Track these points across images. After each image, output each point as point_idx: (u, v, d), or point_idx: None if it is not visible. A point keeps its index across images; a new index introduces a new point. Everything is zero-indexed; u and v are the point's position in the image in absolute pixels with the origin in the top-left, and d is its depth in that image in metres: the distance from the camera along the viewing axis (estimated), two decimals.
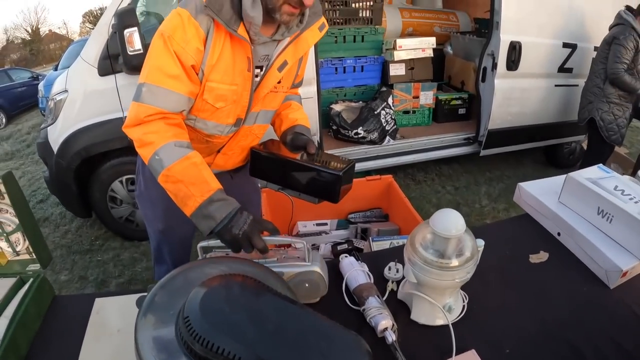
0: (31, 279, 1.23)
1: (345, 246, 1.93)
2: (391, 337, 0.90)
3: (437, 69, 4.12)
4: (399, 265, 1.15)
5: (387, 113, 3.40)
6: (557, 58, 3.39)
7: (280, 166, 1.28)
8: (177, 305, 0.71)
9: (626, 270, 1.04)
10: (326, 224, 2.13)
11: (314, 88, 2.88)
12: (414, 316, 1.01)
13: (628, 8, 2.89)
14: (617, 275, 1.04)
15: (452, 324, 0.94)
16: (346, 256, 1.19)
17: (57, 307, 1.24)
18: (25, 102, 10.43)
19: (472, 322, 0.99)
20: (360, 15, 3.64)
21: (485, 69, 3.34)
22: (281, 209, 1.88)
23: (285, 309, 0.70)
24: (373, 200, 2.25)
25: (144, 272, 2.82)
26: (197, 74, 1.12)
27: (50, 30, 37.56)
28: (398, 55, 3.57)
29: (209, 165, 1.18)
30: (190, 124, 1.23)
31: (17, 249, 1.28)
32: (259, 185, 1.75)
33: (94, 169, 2.90)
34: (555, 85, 3.50)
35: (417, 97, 3.76)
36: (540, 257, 1.20)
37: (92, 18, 36.10)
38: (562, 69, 3.44)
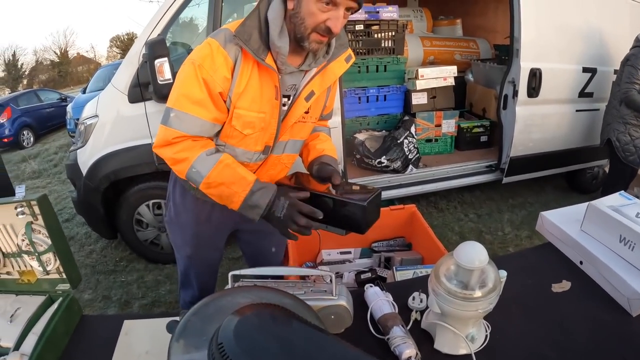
0: (60, 298, 1.27)
1: (368, 275, 1.94)
2: None
3: (459, 96, 4.13)
4: (423, 295, 1.17)
5: (409, 142, 3.42)
6: (577, 83, 3.38)
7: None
8: (209, 331, 0.73)
9: None
10: (350, 252, 2.14)
11: (339, 118, 2.92)
12: (438, 345, 1.02)
13: None
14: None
15: (474, 353, 0.96)
16: (371, 286, 1.21)
17: (85, 326, 1.28)
18: (53, 122, 10.76)
19: (494, 352, 1.00)
20: (383, 45, 3.69)
21: (506, 96, 3.34)
22: (307, 238, 1.89)
23: (315, 338, 0.71)
24: (396, 230, 2.25)
25: (168, 295, 2.84)
26: (225, 101, 1.17)
27: (78, 53, 38.85)
28: (420, 84, 3.61)
29: None
30: (220, 150, 1.27)
31: (48, 269, 1.32)
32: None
33: (122, 192, 2.97)
34: (577, 111, 3.48)
35: (439, 125, 3.77)
36: (562, 286, 1.19)
37: (119, 43, 37.29)
38: (583, 94, 3.42)
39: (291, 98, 1.27)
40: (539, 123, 3.38)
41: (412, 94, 3.71)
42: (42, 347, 1.10)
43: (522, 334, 1.05)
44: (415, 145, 3.48)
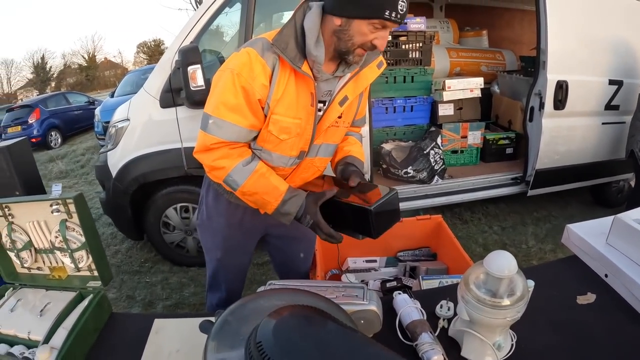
0: (91, 295, 1.31)
1: (394, 283, 1.94)
2: None
3: (484, 107, 4.12)
4: (451, 304, 1.18)
5: (436, 153, 3.41)
6: (603, 96, 3.33)
7: None
8: (245, 331, 0.75)
9: None
10: (375, 260, 2.14)
11: (366, 127, 2.94)
12: (464, 353, 1.03)
13: None
14: None
15: None
16: (400, 293, 1.23)
17: (113, 323, 1.32)
18: (80, 124, 11.02)
19: None
20: (410, 56, 3.71)
21: (532, 108, 3.31)
22: (333, 245, 1.91)
23: (352, 339, 0.72)
24: (422, 239, 2.25)
25: (192, 297, 2.88)
26: (263, 108, 1.21)
27: (105, 58, 39.79)
28: (447, 95, 3.61)
29: None
30: (256, 154, 1.31)
31: (80, 266, 1.36)
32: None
33: (150, 194, 3.03)
34: (602, 123, 3.43)
35: (465, 136, 3.76)
36: (587, 298, 1.19)
37: (146, 49, 38.04)
38: (609, 107, 3.36)
39: (326, 103, 1.31)
40: (564, 135, 3.35)
41: (439, 105, 3.72)
42: (72, 341, 1.13)
43: (547, 344, 1.06)
44: (441, 156, 3.48)
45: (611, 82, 3.31)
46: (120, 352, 1.21)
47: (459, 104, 3.76)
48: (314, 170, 1.45)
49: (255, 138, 1.29)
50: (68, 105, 11.22)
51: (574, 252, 1.39)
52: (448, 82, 3.59)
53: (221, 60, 2.97)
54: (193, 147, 2.63)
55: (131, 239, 3.54)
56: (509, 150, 3.90)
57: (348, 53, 1.18)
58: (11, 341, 1.23)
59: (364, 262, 2.14)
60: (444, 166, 3.50)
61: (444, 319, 1.14)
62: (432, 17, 4.93)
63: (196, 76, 2.43)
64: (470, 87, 3.66)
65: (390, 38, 3.59)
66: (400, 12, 1.09)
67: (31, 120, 9.84)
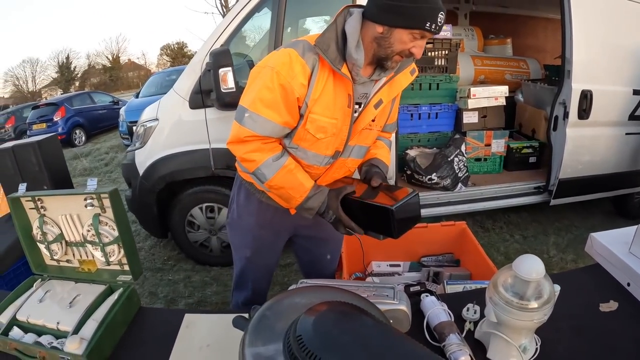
0: (121, 289, 1.34)
1: (417, 288, 1.95)
2: None
3: (508, 116, 4.10)
4: (477, 307, 1.20)
5: (460, 160, 3.42)
6: (627, 106, 3.30)
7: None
8: (283, 326, 0.77)
9: None
10: (399, 265, 2.16)
11: (392, 133, 2.95)
12: (490, 355, 1.06)
13: None
14: None
15: None
16: (427, 295, 1.25)
17: (142, 317, 1.36)
18: (104, 123, 11.21)
19: None
20: (436, 63, 3.71)
21: (556, 117, 3.30)
22: (358, 249, 1.94)
23: (389, 335, 0.73)
24: (446, 245, 2.26)
25: (214, 296, 2.91)
26: (300, 107, 1.26)
27: (129, 60, 40.45)
28: (472, 103, 3.60)
29: None
30: (292, 152, 1.35)
31: (111, 260, 1.40)
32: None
33: (176, 193, 3.08)
34: (626, 134, 3.39)
35: (489, 144, 3.75)
36: (610, 306, 1.20)
37: (169, 51, 38.58)
38: (633, 117, 3.33)
39: (362, 105, 1.35)
40: (588, 145, 3.32)
41: (464, 112, 3.71)
42: (102, 333, 1.17)
43: (571, 349, 1.08)
44: (465, 164, 3.48)
45: (635, 92, 3.28)
46: (148, 345, 1.24)
47: (483, 112, 3.76)
48: (345, 171, 1.49)
49: (291, 137, 1.33)
50: (93, 104, 11.43)
51: (597, 260, 1.40)
52: (473, 89, 3.59)
53: (249, 63, 3.03)
54: (221, 148, 2.71)
55: (155, 236, 3.59)
56: (532, 159, 3.88)
57: (387, 59, 1.23)
58: (39, 331, 1.26)
59: (388, 267, 2.16)
60: (467, 174, 3.50)
61: (470, 322, 1.17)
62: (457, 25, 4.93)
63: (227, 78, 2.48)
64: (495, 95, 3.65)
65: None
66: (439, 24, 1.15)
67: (56, 118, 10.05)
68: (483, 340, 1.10)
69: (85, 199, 1.35)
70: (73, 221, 1.41)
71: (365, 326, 0.74)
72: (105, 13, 68.67)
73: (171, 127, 2.94)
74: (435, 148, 3.74)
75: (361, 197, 1.30)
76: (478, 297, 1.21)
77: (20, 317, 1.29)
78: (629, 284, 1.25)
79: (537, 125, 3.97)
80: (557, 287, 1.09)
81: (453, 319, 1.15)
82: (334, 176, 1.47)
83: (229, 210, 1.65)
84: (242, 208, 1.58)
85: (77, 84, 36.23)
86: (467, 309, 1.21)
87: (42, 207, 1.42)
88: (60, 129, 9.71)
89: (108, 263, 1.42)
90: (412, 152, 3.60)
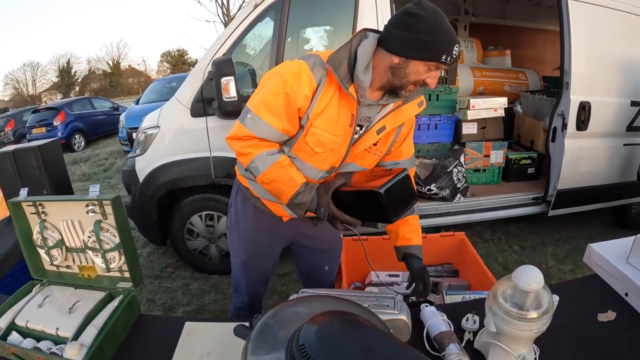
0: (122, 295, 1.35)
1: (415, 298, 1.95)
2: None
3: (507, 127, 4.13)
4: (476, 317, 1.21)
5: (459, 171, 3.44)
6: (625, 117, 3.32)
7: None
8: (285, 335, 0.77)
9: None
10: (398, 275, 2.16)
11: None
12: None
13: None
14: None
15: None
16: (427, 305, 1.26)
17: (142, 324, 1.36)
18: (104, 129, 11.23)
19: None
20: None
21: (555, 129, 3.31)
22: (358, 258, 1.94)
23: (393, 344, 0.74)
24: (444, 256, 2.27)
25: (212, 304, 2.90)
26: (301, 118, 1.28)
27: (129, 66, 40.58)
28: (471, 114, 3.63)
29: None
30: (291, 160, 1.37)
31: (111, 266, 1.40)
32: (341, 235, 1.83)
33: (176, 201, 3.08)
34: (624, 145, 3.41)
35: (487, 155, 3.77)
36: (608, 316, 1.22)
37: (170, 58, 38.70)
38: (631, 128, 3.35)
39: (364, 128, 1.36)
40: (586, 156, 3.34)
41: (463, 123, 3.74)
42: (102, 339, 1.18)
43: (569, 359, 1.09)
44: (464, 175, 3.49)
45: (633, 104, 3.30)
46: (148, 352, 1.25)
47: (482, 123, 3.78)
48: None
49: (291, 145, 1.34)
50: (93, 109, 11.46)
51: (595, 270, 1.42)
52: (473, 101, 3.61)
53: (251, 72, 3.05)
54: (222, 157, 2.71)
55: (154, 244, 3.58)
56: (531, 170, 3.90)
57: (401, 88, 1.24)
58: (38, 336, 1.26)
59: (387, 277, 2.16)
60: (466, 184, 3.51)
61: (469, 332, 1.18)
62: (457, 36, 4.96)
63: (229, 87, 2.50)
64: (494, 106, 3.68)
65: None
66: (454, 56, 1.18)
67: (56, 122, 10.06)
68: (482, 350, 1.11)
69: (87, 205, 1.35)
70: (74, 227, 1.42)
71: (367, 335, 0.74)
72: (107, 19, 68.96)
73: (172, 135, 2.95)
74: (434, 159, 3.76)
75: (347, 187, 1.28)
76: (477, 307, 1.22)
77: (19, 321, 1.29)
78: (626, 294, 1.26)
79: (536, 137, 4.00)
80: (556, 298, 1.10)
81: (453, 329, 1.16)
82: None
83: (228, 214, 1.69)
84: (239, 212, 1.61)
85: (77, 88, 36.31)
86: (467, 319, 1.22)
87: (43, 212, 1.43)
88: (59, 134, 9.71)
89: (108, 270, 1.42)
90: None
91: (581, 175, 3.37)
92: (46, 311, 1.33)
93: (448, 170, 3.42)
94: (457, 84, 3.92)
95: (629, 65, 3.25)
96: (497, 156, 3.79)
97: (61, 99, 25.42)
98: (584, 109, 3.13)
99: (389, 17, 2.86)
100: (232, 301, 1.83)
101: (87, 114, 10.99)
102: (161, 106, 3.18)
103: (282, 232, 1.62)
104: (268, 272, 1.77)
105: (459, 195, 3.43)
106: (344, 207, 1.27)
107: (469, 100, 3.62)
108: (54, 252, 1.46)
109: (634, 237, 1.31)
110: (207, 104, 2.78)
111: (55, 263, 1.48)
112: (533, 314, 0.96)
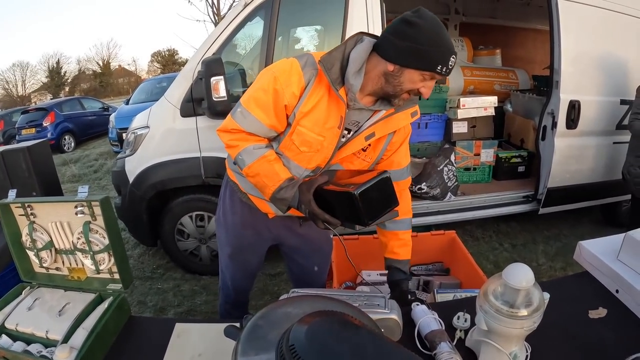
0: (111, 297, 1.33)
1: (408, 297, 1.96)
2: None
3: (497, 126, 4.16)
4: (468, 315, 1.21)
5: (449, 170, 3.45)
6: (615, 115, 3.36)
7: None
8: (275, 335, 0.77)
9: None
10: None
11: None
12: None
13: None
14: None
15: None
16: (418, 304, 1.26)
17: (132, 326, 1.35)
18: (94, 130, 11.15)
19: None
20: None
21: (545, 127, 3.34)
22: (349, 258, 1.94)
23: (383, 344, 0.73)
24: (435, 254, 2.27)
25: (203, 305, 2.89)
26: (288, 115, 1.29)
27: (120, 66, 40.29)
28: (461, 113, 3.63)
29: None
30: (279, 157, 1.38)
31: (101, 268, 1.38)
32: (331, 236, 1.83)
33: (166, 202, 3.07)
34: (614, 143, 3.45)
35: (478, 154, 3.79)
36: (599, 312, 1.22)
37: (160, 58, 38.50)
38: (621, 126, 3.39)
39: (352, 132, 1.37)
40: (576, 154, 3.38)
41: (453, 122, 3.76)
42: (92, 342, 1.16)
43: (560, 356, 1.10)
44: (455, 173, 3.51)
45: (622, 102, 3.34)
46: (139, 354, 1.24)
47: (472, 122, 3.80)
48: None
49: (279, 142, 1.35)
50: (83, 110, 11.37)
51: (586, 268, 1.42)
52: (463, 100, 3.63)
53: (241, 72, 3.04)
54: (212, 157, 2.70)
55: (145, 245, 3.56)
56: (521, 169, 3.93)
57: (395, 96, 1.25)
58: (28, 339, 1.25)
59: (378, 276, 2.16)
60: (456, 183, 3.53)
61: (461, 330, 1.18)
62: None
63: (219, 87, 2.48)
64: (484, 105, 3.69)
65: None
66: (450, 67, 1.17)
67: (46, 123, 9.97)
68: (474, 348, 1.12)
69: (76, 207, 1.34)
70: (63, 228, 1.40)
71: (358, 335, 0.74)
72: (97, 18, 68.39)
73: (162, 135, 2.94)
74: (425, 158, 3.77)
75: (324, 186, 1.25)
76: (468, 305, 1.22)
77: (9, 324, 1.28)
78: (617, 291, 1.27)
79: (526, 135, 4.03)
80: (547, 295, 1.11)
81: (444, 328, 1.16)
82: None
83: (217, 208, 1.71)
84: (226, 206, 1.63)
85: (67, 89, 35.97)
86: (458, 318, 1.22)
87: (32, 213, 1.41)
88: (49, 135, 9.62)
89: (98, 271, 1.41)
90: None
91: (571, 173, 3.41)
92: (36, 314, 1.31)
93: (438, 169, 3.43)
94: (448, 83, 3.94)
95: (618, 64, 3.29)
96: (488, 155, 3.81)
97: (51, 99, 25.23)
98: (574, 108, 3.16)
99: (379, 17, 2.89)
100: (220, 297, 1.87)
101: (77, 115, 10.91)
102: (151, 106, 3.16)
103: (267, 229, 1.62)
104: (253, 268, 1.78)
105: (449, 194, 3.44)
106: (325, 205, 1.25)
107: (459, 99, 3.63)
108: (43, 254, 1.44)
109: (624, 234, 1.31)
110: (196, 103, 2.77)
111: (44, 265, 1.46)
112: (524, 312, 0.96)
